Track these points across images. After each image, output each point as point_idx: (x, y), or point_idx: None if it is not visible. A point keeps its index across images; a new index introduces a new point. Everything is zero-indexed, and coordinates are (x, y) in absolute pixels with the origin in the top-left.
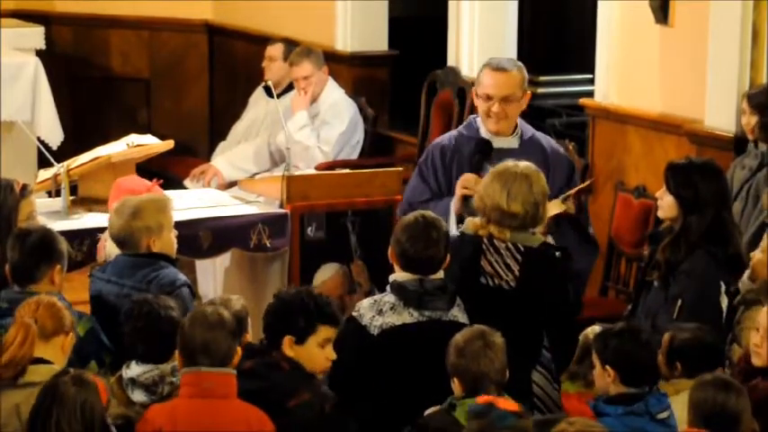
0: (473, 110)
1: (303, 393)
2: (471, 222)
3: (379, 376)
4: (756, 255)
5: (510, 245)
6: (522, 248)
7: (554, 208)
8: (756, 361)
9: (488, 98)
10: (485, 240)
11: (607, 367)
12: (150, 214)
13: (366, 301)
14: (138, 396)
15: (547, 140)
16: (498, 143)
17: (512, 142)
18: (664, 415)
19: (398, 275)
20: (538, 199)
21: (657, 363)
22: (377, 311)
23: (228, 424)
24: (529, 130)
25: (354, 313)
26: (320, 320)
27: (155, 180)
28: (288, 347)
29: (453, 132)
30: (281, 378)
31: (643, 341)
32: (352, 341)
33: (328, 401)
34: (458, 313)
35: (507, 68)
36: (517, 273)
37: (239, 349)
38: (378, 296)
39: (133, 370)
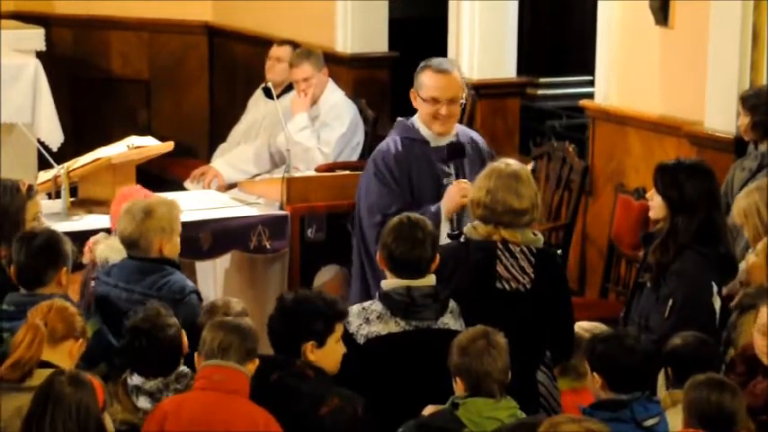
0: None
1: (333, 399)
2: (482, 228)
3: (366, 384)
4: (751, 258)
5: (524, 248)
6: (534, 250)
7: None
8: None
9: (435, 101)
10: (499, 245)
11: (594, 374)
12: (163, 215)
13: (355, 308)
14: (144, 403)
15: (475, 134)
16: (439, 142)
17: (446, 139)
18: (650, 422)
19: (386, 283)
20: (536, 191)
21: (645, 369)
22: (364, 320)
23: (233, 419)
24: (458, 125)
25: None
26: (336, 319)
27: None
28: (310, 353)
29: (394, 138)
30: (309, 386)
31: (629, 347)
32: None
33: (359, 403)
34: (449, 320)
35: (450, 70)
36: (532, 275)
37: (256, 360)
38: (366, 303)
39: (137, 378)
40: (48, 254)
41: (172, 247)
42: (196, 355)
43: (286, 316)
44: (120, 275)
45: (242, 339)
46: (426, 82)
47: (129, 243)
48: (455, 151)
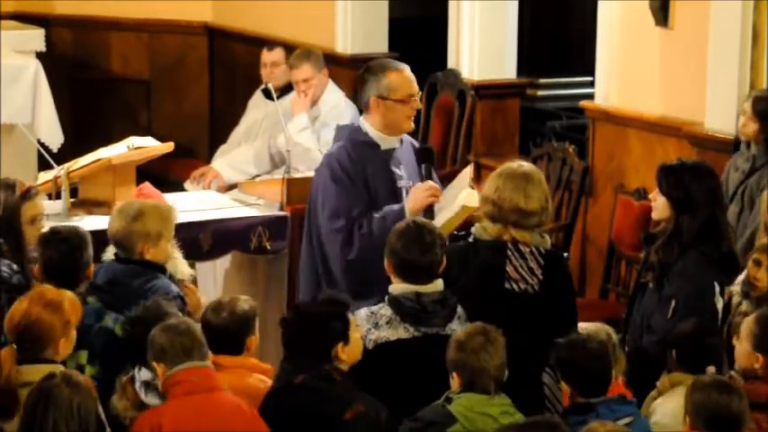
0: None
1: (358, 405)
2: (491, 228)
3: (373, 389)
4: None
5: (533, 249)
6: (543, 252)
7: (471, 198)
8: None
9: (411, 97)
10: (509, 245)
11: (562, 382)
12: (152, 220)
13: (363, 312)
14: (152, 399)
15: (409, 137)
16: (387, 144)
17: (395, 142)
18: (621, 422)
19: (395, 288)
20: (547, 195)
21: (609, 372)
22: (373, 324)
23: (232, 413)
24: None
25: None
26: (346, 310)
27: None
28: (341, 353)
29: (345, 143)
30: (335, 390)
31: (591, 351)
32: None
33: (382, 410)
34: (457, 327)
35: (405, 66)
36: (540, 276)
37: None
38: (375, 307)
39: (146, 373)
40: (77, 253)
41: (157, 252)
42: (155, 363)
43: (305, 332)
44: (105, 278)
45: (198, 338)
46: (397, 82)
47: (116, 242)
48: (425, 155)
